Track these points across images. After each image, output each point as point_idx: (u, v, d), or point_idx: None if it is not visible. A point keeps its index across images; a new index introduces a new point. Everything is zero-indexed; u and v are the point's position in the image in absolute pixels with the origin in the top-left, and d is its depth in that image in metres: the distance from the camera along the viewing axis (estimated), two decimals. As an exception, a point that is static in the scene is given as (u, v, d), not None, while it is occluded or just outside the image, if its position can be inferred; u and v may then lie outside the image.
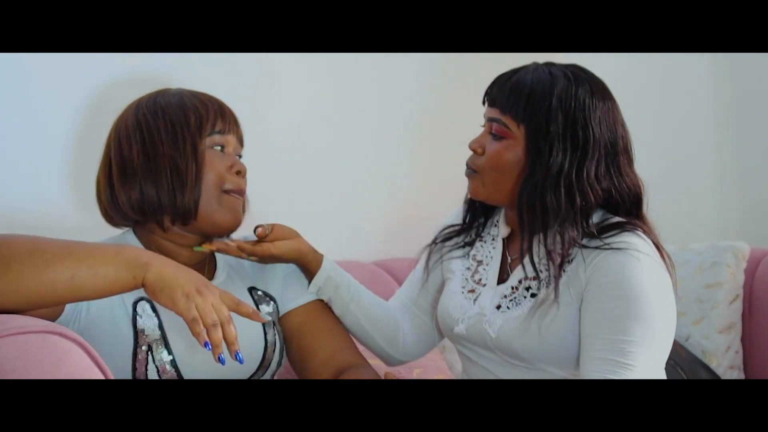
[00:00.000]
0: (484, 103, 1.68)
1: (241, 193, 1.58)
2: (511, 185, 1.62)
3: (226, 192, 1.56)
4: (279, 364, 1.62)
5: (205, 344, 1.30)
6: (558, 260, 1.55)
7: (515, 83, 1.61)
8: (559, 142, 1.57)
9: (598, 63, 2.53)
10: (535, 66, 1.64)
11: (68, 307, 1.45)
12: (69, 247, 1.30)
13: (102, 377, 1.22)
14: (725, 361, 2.17)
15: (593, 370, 1.48)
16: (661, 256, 1.56)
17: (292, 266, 1.72)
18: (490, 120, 1.64)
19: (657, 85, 2.93)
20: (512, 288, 1.64)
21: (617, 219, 1.60)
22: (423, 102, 2.53)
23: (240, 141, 1.62)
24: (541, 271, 1.59)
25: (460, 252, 1.76)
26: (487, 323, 1.63)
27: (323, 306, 1.71)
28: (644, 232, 1.58)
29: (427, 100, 2.53)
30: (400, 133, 2.49)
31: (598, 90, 1.61)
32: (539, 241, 1.59)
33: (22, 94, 1.92)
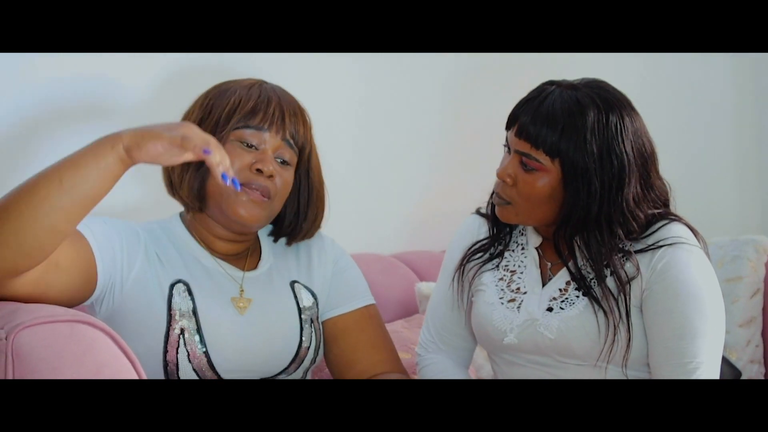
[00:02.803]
0: (508, 128, 1.62)
1: (261, 190, 1.52)
2: (546, 212, 1.60)
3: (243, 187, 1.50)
4: (313, 361, 1.60)
5: (204, 151, 1.30)
6: (617, 282, 1.56)
7: (545, 116, 1.56)
8: (596, 176, 1.55)
9: (619, 63, 2.55)
10: (559, 90, 1.58)
11: (101, 284, 1.44)
12: (54, 168, 1.29)
13: (129, 366, 1.23)
14: (745, 355, 2.17)
15: (666, 372, 1.53)
16: (698, 241, 1.59)
17: (341, 266, 1.67)
18: (520, 153, 1.58)
19: (678, 83, 2.93)
20: (560, 290, 1.62)
21: (653, 211, 1.61)
22: (445, 97, 2.53)
23: (290, 143, 1.55)
24: (588, 272, 1.59)
25: (489, 265, 1.71)
26: (543, 327, 1.60)
27: (370, 315, 1.65)
28: (681, 220, 1.60)
29: (449, 95, 2.53)
30: (421, 127, 2.49)
31: (626, 110, 1.58)
32: (583, 255, 1.60)
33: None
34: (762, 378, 2.21)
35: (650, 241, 1.57)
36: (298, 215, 1.63)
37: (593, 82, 1.62)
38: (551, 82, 1.62)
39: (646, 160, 1.59)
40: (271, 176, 1.52)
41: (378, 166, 2.42)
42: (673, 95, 2.92)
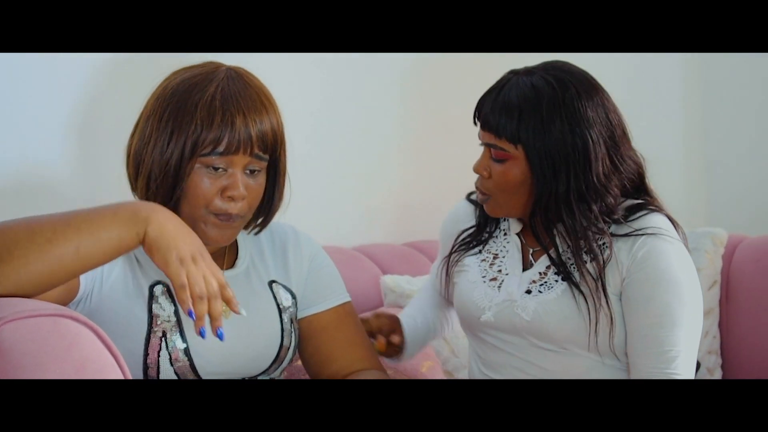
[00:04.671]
0: (475, 123, 1.66)
1: (232, 216, 1.47)
2: (524, 200, 1.63)
3: (216, 214, 1.46)
4: (290, 361, 1.59)
5: (189, 313, 1.29)
6: (595, 266, 1.58)
7: (502, 104, 1.59)
8: (560, 156, 1.57)
9: (573, 62, 2.58)
10: (516, 78, 1.61)
11: (83, 289, 1.42)
12: (66, 219, 1.28)
13: (113, 361, 1.21)
14: (703, 346, 2.21)
15: (645, 366, 1.55)
16: (677, 233, 1.62)
17: (317, 264, 1.65)
18: (487, 145, 1.63)
19: (629, 82, 2.97)
20: (540, 274, 1.65)
21: (635, 201, 1.64)
22: (407, 91, 2.52)
23: (260, 155, 1.47)
24: (569, 258, 1.61)
25: (473, 250, 1.75)
26: (519, 308, 1.63)
27: (347, 312, 1.64)
28: (662, 211, 1.64)
29: (411, 89, 2.53)
30: (383, 120, 2.49)
31: (583, 88, 1.60)
32: (562, 240, 1.62)
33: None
34: (719, 367, 2.25)
35: (633, 226, 1.59)
36: (271, 206, 1.58)
37: (550, 63, 1.66)
38: (512, 71, 1.66)
39: (614, 131, 1.61)
40: (239, 198, 1.47)
41: (339, 159, 2.41)
42: (622, 92, 2.96)
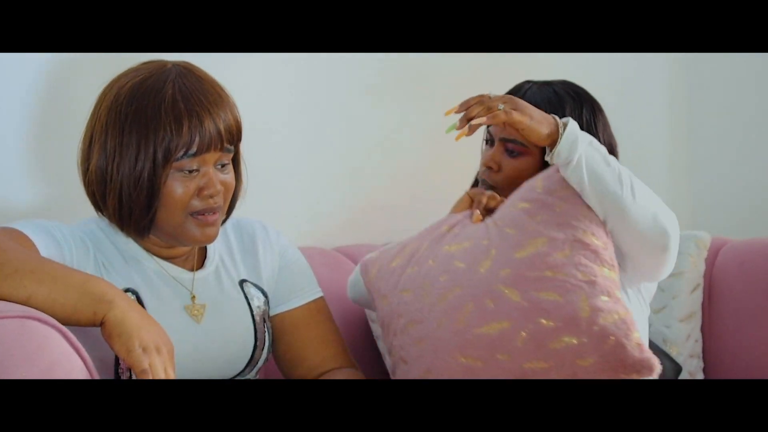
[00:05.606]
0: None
1: (213, 210, 1.46)
2: None
3: (194, 214, 1.45)
4: (265, 360, 1.57)
5: None
6: None
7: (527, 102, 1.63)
8: None
9: (554, 63, 2.57)
10: (536, 86, 1.75)
11: None
12: (35, 264, 1.25)
13: (82, 365, 1.19)
14: (685, 349, 2.19)
15: None
16: None
17: (288, 259, 1.63)
18: (505, 140, 1.72)
19: (614, 83, 2.97)
20: None
21: None
22: (387, 93, 2.50)
23: (228, 148, 1.47)
24: None
25: None
26: None
27: (319, 309, 1.63)
28: None
29: (393, 91, 2.50)
30: (363, 120, 2.47)
31: (597, 107, 1.76)
32: None
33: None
34: (701, 371, 2.24)
35: None
36: (234, 197, 1.56)
37: (565, 81, 1.80)
38: (528, 82, 1.79)
39: (613, 151, 1.75)
40: (216, 194, 1.46)
41: (320, 159, 2.39)
42: (607, 94, 2.96)
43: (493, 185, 1.73)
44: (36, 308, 1.22)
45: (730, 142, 3.03)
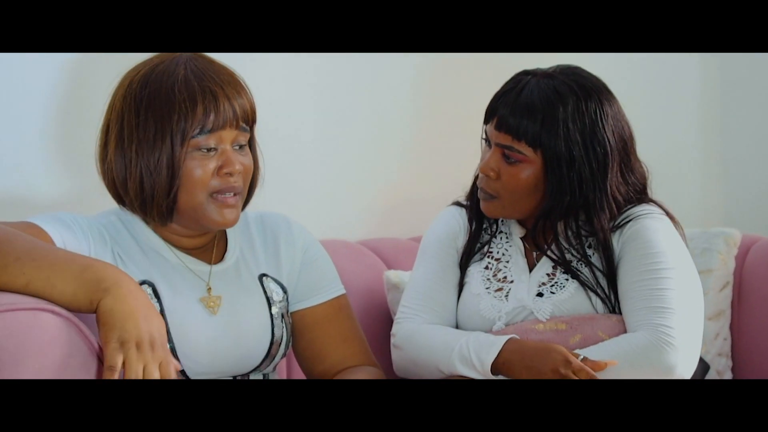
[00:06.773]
0: (487, 122, 1.63)
1: (233, 190, 1.46)
2: (530, 203, 1.62)
3: (214, 195, 1.45)
4: (283, 355, 1.56)
5: None
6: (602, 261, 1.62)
7: (524, 107, 1.57)
8: (584, 163, 1.57)
9: (589, 61, 2.54)
10: (534, 80, 1.60)
11: None
12: (35, 251, 1.24)
13: (94, 357, 1.19)
14: (714, 348, 2.16)
15: (637, 321, 1.54)
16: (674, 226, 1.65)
17: (311, 256, 1.61)
18: (502, 146, 1.60)
19: (646, 82, 2.95)
20: (548, 275, 1.63)
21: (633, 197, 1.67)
22: (415, 87, 2.50)
23: (244, 127, 1.47)
24: (574, 255, 1.62)
25: (476, 256, 1.71)
26: (535, 311, 1.61)
27: (341, 306, 1.61)
28: (652, 200, 1.68)
29: (420, 85, 2.50)
30: (390, 113, 2.46)
31: (603, 95, 1.61)
32: (566, 239, 1.63)
33: None
34: (729, 370, 2.20)
35: (622, 218, 1.63)
36: (253, 182, 1.55)
37: (568, 68, 1.64)
38: (526, 72, 1.63)
39: (626, 143, 1.63)
40: (236, 173, 1.46)
41: (345, 152, 2.39)
42: (640, 92, 2.95)
43: (493, 193, 1.62)
44: (35, 295, 1.21)
45: (762, 140, 3.01)
